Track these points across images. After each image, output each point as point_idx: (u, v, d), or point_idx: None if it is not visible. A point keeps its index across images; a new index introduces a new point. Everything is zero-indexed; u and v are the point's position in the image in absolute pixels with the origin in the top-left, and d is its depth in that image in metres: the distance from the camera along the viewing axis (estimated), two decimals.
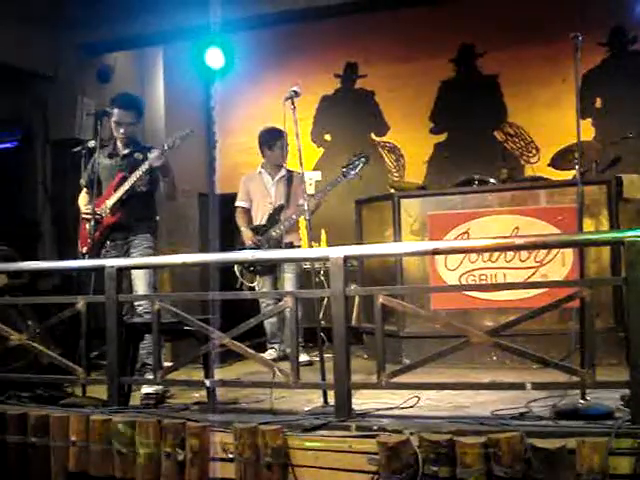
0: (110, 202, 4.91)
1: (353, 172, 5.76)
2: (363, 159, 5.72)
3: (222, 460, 3.41)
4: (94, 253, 4.85)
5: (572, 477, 2.94)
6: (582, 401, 3.52)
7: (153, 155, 4.84)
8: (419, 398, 3.85)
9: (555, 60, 7.08)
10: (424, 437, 3.10)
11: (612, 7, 7.18)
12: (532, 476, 2.96)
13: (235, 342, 3.80)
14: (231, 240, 6.49)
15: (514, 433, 3.03)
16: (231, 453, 3.37)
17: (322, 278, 6.33)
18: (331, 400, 3.64)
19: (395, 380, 3.55)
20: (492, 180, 6.01)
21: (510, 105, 7.86)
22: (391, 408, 3.73)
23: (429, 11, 7.42)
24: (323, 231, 7.83)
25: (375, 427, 3.31)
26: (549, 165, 6.30)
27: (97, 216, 4.85)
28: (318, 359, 4.09)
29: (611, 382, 3.41)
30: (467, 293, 5.40)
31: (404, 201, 5.74)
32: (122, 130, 4.99)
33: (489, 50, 7.92)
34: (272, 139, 6.06)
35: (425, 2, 7.14)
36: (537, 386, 3.40)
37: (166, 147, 4.79)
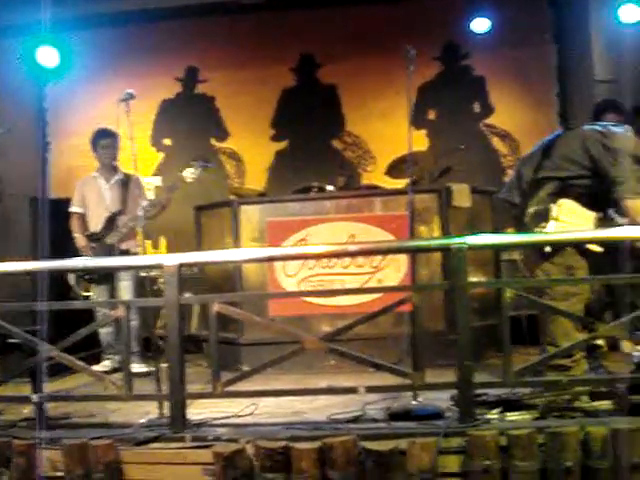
0: None
1: (192, 177, 5.64)
2: (203, 164, 5.64)
3: (51, 478, 3.25)
4: None
5: (403, 477, 3.02)
6: (414, 402, 3.63)
7: None
8: (257, 406, 3.84)
9: (391, 73, 7.30)
10: (259, 445, 3.10)
11: (445, 23, 7.52)
12: (365, 478, 3.03)
13: (63, 354, 3.64)
14: (66, 247, 6.21)
15: (348, 437, 3.09)
16: (61, 471, 3.22)
17: (161, 286, 6.18)
18: (167, 411, 3.56)
19: (231, 388, 3.53)
20: (330, 188, 6.12)
21: (348, 115, 8.03)
22: (228, 417, 3.70)
23: (269, 19, 7.47)
24: (163, 238, 7.68)
25: (210, 437, 3.28)
26: (385, 174, 6.49)
27: None
28: (154, 369, 3.98)
29: (440, 383, 3.53)
30: (305, 299, 5.45)
31: (244, 207, 5.73)
32: None
33: (329, 61, 8.06)
34: (97, 139, 5.89)
35: (263, 9, 7.18)
36: (371, 389, 3.48)
37: None
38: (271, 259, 4.53)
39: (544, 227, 4.05)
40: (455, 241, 3.38)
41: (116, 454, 3.14)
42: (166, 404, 3.59)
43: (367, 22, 7.62)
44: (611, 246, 4.48)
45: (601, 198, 4.18)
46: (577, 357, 4.11)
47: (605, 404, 3.58)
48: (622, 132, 4.19)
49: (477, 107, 7.87)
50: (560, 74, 7.77)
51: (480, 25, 7.41)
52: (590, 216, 4.15)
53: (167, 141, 8.26)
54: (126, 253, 5.69)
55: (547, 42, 7.70)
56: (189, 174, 5.41)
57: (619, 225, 4.19)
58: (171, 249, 7.64)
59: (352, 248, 3.88)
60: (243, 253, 4.43)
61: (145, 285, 5.52)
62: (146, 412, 3.84)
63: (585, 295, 4.22)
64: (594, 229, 4.08)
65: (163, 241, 7.73)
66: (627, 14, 6.20)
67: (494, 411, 3.51)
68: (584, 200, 4.16)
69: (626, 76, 6.39)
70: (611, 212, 4.34)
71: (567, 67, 7.73)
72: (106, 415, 3.73)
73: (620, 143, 4.12)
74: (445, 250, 3.42)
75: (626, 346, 5.25)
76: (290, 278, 5.57)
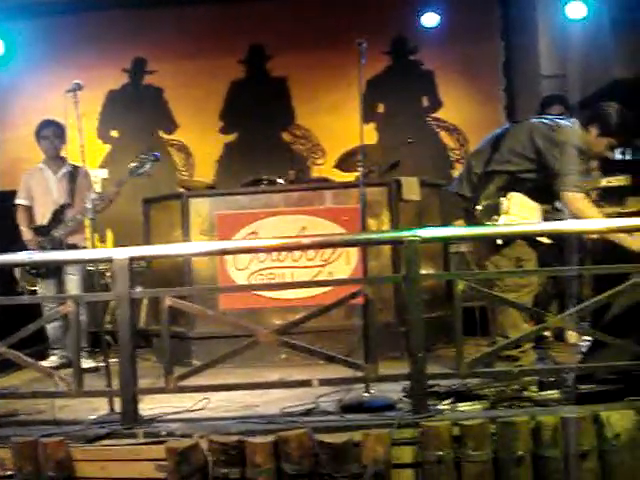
0: None
1: (141, 170, 5.55)
2: (152, 157, 5.55)
3: (0, 478, 3.18)
4: None
5: (357, 469, 3.04)
6: (366, 394, 3.65)
7: None
8: (209, 400, 3.81)
9: (341, 66, 7.29)
10: (213, 440, 3.08)
11: (395, 17, 7.56)
12: (320, 471, 3.03)
13: (10, 350, 3.56)
14: (12, 240, 6.06)
15: (302, 430, 3.09)
16: (10, 470, 3.15)
17: (108, 280, 6.09)
18: (118, 407, 3.51)
19: (184, 383, 3.49)
20: (280, 180, 6.10)
21: (298, 108, 8.02)
22: (180, 412, 3.67)
23: (218, 10, 7.40)
24: (110, 231, 7.56)
25: (163, 433, 3.24)
26: (334, 167, 6.50)
27: None
28: (103, 365, 3.92)
29: (393, 375, 3.55)
30: (256, 292, 5.44)
31: (193, 200, 5.66)
32: None
33: (279, 53, 8.03)
34: (38, 130, 5.76)
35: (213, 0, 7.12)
36: (324, 382, 3.48)
37: None
38: (225, 252, 4.50)
39: (496, 220, 4.10)
40: (408, 234, 3.39)
41: (67, 451, 3.08)
42: (116, 400, 3.54)
43: (318, 14, 7.60)
44: (558, 239, 4.58)
45: (549, 191, 4.25)
46: (525, 348, 4.18)
47: (553, 393, 3.65)
48: (569, 125, 4.27)
49: (426, 101, 7.95)
50: (507, 69, 7.90)
51: (429, 20, 7.49)
52: (539, 209, 4.23)
53: (114, 133, 8.12)
54: (74, 247, 5.57)
55: (495, 37, 7.82)
56: (140, 170, 5.33)
57: (566, 218, 4.26)
58: (118, 242, 7.52)
59: (306, 241, 3.86)
60: (196, 246, 4.39)
61: (94, 279, 5.43)
62: (94, 408, 3.77)
63: (533, 287, 4.30)
64: (542, 222, 4.16)
65: (110, 234, 7.61)
66: (574, 11, 6.31)
67: (445, 402, 3.55)
68: (533, 194, 4.23)
69: (572, 71, 6.52)
70: (559, 205, 4.42)
71: (514, 62, 7.86)
72: (54, 412, 3.65)
73: (566, 136, 4.19)
74: (398, 243, 3.43)
75: (571, 336, 5.38)
76: (240, 271, 5.53)
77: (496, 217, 4.10)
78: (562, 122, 4.30)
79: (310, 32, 7.67)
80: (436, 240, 4.02)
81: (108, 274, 6.17)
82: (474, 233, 3.88)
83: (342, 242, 3.92)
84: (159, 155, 5.73)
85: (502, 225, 4.00)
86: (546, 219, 4.30)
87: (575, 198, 4.12)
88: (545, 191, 4.24)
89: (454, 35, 7.62)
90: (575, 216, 4.10)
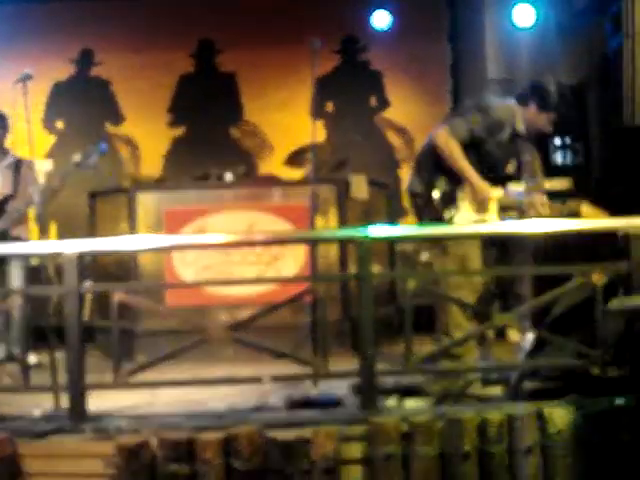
0: None
1: (87, 162, 5.43)
2: (99, 150, 5.44)
3: None
4: None
5: (307, 465, 3.06)
6: (313, 391, 3.68)
7: None
8: (156, 395, 3.79)
9: (291, 63, 7.31)
10: (163, 436, 3.06)
11: (346, 16, 7.59)
12: (270, 467, 3.05)
13: None
14: None
15: (253, 427, 3.10)
16: None
17: (51, 274, 5.97)
18: (64, 403, 3.46)
19: (132, 379, 3.46)
20: (229, 176, 6.08)
21: (247, 103, 7.96)
22: (128, 407, 3.63)
23: (168, 2, 7.32)
24: (53, 224, 7.42)
25: (112, 429, 3.21)
26: (284, 164, 6.51)
27: None
28: (48, 360, 3.86)
29: (343, 372, 3.59)
30: (204, 288, 5.42)
31: (140, 195, 5.60)
32: None
33: (229, 48, 7.96)
34: None
35: None
36: (275, 379, 3.50)
37: None
38: (178, 247, 4.47)
39: (452, 211, 4.17)
40: (359, 232, 3.43)
41: (14, 447, 3.03)
42: (62, 395, 3.49)
43: (269, 10, 7.56)
44: (500, 238, 4.69)
45: (498, 175, 4.32)
46: (468, 345, 4.26)
47: (496, 390, 3.74)
48: (501, 103, 4.34)
49: (374, 101, 8.00)
50: (454, 71, 8.00)
51: (380, 20, 7.53)
52: (493, 193, 4.27)
53: (59, 124, 7.95)
54: (17, 239, 5.44)
55: (443, 40, 7.92)
56: (85, 162, 5.22)
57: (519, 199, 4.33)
58: (61, 236, 7.38)
59: (259, 237, 3.88)
60: (148, 241, 4.32)
61: (37, 274, 5.31)
62: (37, 404, 3.71)
63: (477, 286, 4.38)
64: (497, 207, 4.23)
65: (53, 227, 7.47)
66: (521, 17, 6.43)
67: (392, 398, 3.60)
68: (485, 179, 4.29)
69: (518, 76, 6.65)
70: (510, 187, 4.49)
71: (461, 65, 7.98)
72: None
73: (498, 113, 4.26)
74: (349, 241, 3.46)
75: (512, 334, 5.50)
76: (188, 267, 5.51)
77: (451, 207, 4.16)
78: (497, 101, 4.38)
79: (261, 28, 7.61)
80: (387, 239, 4.06)
81: (51, 268, 6.05)
82: (424, 233, 3.95)
83: (295, 239, 3.94)
84: (106, 147, 5.65)
85: (452, 225, 4.06)
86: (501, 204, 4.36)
87: (442, 134, 4.16)
88: (495, 175, 4.30)
89: (403, 36, 7.68)
90: (441, 152, 4.17)
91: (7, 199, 5.49)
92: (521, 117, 4.27)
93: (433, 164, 4.33)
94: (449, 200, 4.20)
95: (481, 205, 4.22)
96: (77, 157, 5.36)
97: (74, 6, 7.22)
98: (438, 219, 4.19)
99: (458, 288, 4.21)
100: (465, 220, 4.19)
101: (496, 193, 4.20)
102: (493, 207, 4.29)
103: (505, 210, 4.91)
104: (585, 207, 4.35)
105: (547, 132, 4.42)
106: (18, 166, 5.53)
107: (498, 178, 4.29)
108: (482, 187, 4.19)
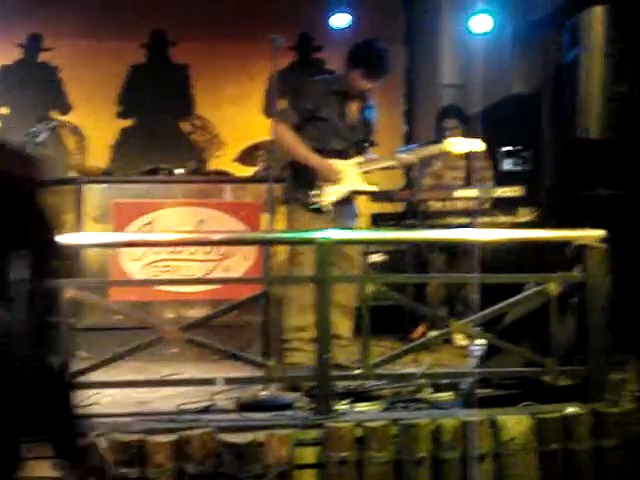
0: None
1: (37, 140, 5.18)
2: (50, 126, 5.18)
3: None
4: None
5: (260, 469, 3.02)
6: (264, 392, 3.63)
7: None
8: (101, 395, 3.67)
9: (246, 58, 7.24)
10: (112, 438, 2.98)
11: (302, 14, 7.54)
12: (223, 471, 2.99)
13: None
14: None
15: (206, 430, 3.05)
16: None
17: None
18: None
19: (80, 379, 3.35)
20: (179, 171, 5.97)
21: (199, 97, 7.85)
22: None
23: None
24: None
25: None
26: (235, 160, 6.43)
27: None
28: None
29: (297, 376, 3.55)
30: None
31: (87, 186, 5.44)
32: None
33: (182, 40, 7.85)
34: None
35: None
36: (229, 381, 3.44)
37: None
38: (128, 244, 4.36)
39: (316, 192, 4.22)
40: (320, 235, 3.40)
41: None
42: None
43: (226, 3, 7.47)
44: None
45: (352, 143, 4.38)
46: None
47: (447, 395, 3.76)
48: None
49: None
50: (408, 75, 8.04)
51: (337, 20, 7.50)
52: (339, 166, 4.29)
53: (4, 110, 7.70)
54: None
55: (398, 42, 7.93)
56: (36, 139, 5.00)
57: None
58: None
59: (216, 237, 3.80)
60: (97, 237, 4.22)
61: None
62: None
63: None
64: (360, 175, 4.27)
65: None
66: (478, 24, 6.48)
67: (344, 402, 3.57)
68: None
69: (470, 83, 6.71)
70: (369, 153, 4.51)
71: (415, 69, 8.02)
72: None
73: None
74: (309, 243, 3.42)
75: (458, 339, 5.53)
76: (134, 262, 5.39)
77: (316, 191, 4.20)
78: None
79: (216, 21, 7.52)
80: (347, 242, 4.03)
81: None
82: (384, 237, 3.94)
83: (252, 240, 3.87)
84: (58, 122, 5.46)
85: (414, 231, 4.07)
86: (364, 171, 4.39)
87: (273, 125, 4.34)
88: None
89: (359, 36, 7.65)
90: (279, 145, 4.42)
91: None
92: (348, 77, 4.33)
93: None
94: (309, 184, 4.23)
95: (336, 180, 4.24)
96: (28, 133, 5.11)
97: None
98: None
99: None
100: (330, 198, 4.24)
101: (345, 165, 4.23)
102: (352, 176, 4.31)
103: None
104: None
105: (366, 89, 4.44)
106: None
107: (352, 146, 4.33)
108: (322, 165, 4.24)
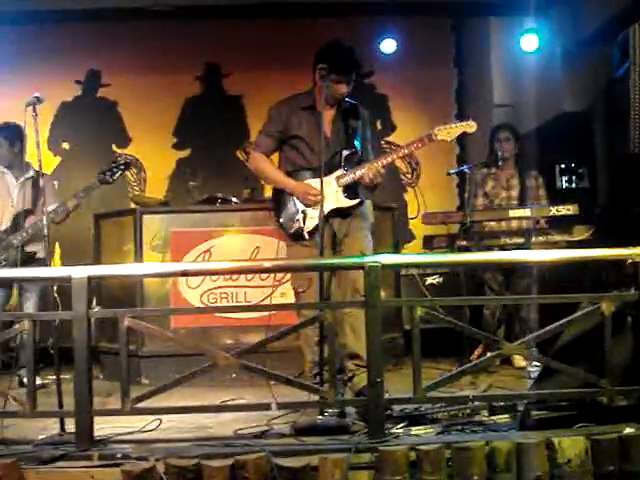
0: None
1: (112, 178, 5.28)
2: (122, 166, 5.32)
3: None
4: None
5: None
6: (320, 417, 3.65)
7: None
8: (161, 420, 3.76)
9: (296, 87, 7.29)
10: (170, 463, 3.03)
11: (351, 41, 7.44)
12: None
13: None
14: None
15: (260, 454, 3.07)
16: None
17: (55, 295, 5.95)
18: (69, 427, 3.44)
19: (140, 405, 3.43)
20: (234, 199, 6.09)
21: (253, 126, 7.98)
22: (132, 432, 3.61)
23: (175, 26, 7.34)
24: (57, 245, 7.42)
25: (119, 455, 3.18)
26: None
27: None
28: (49, 382, 3.83)
29: (352, 400, 3.56)
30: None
31: (146, 217, 5.62)
32: None
33: (234, 71, 8.06)
34: None
35: (170, 16, 7.05)
36: (283, 406, 3.48)
37: None
38: (185, 274, 4.46)
39: (300, 216, 4.19)
40: (369, 260, 3.43)
41: (20, 473, 3.00)
42: (67, 420, 3.46)
43: (273, 33, 7.58)
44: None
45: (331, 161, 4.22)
46: None
47: (503, 418, 3.72)
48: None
49: (379, 125, 8.03)
50: (459, 96, 8.05)
51: (385, 45, 7.57)
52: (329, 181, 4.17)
53: (65, 145, 7.97)
54: (32, 255, 5.34)
55: (448, 64, 7.96)
56: (111, 177, 5.13)
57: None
58: (65, 258, 7.40)
59: (267, 264, 3.86)
60: (157, 267, 4.31)
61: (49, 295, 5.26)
62: (42, 428, 3.68)
63: None
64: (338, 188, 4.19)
65: (57, 249, 7.46)
66: (528, 43, 6.47)
67: (399, 425, 3.57)
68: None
69: (523, 102, 6.69)
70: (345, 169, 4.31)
71: (466, 90, 8.03)
72: (1, 431, 3.53)
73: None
74: (359, 268, 3.45)
75: (518, 360, 5.48)
76: (193, 290, 5.51)
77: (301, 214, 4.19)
78: None
79: (266, 51, 7.67)
80: (397, 266, 4.05)
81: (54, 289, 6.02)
82: (433, 260, 3.94)
83: (304, 267, 3.89)
84: (130, 163, 5.60)
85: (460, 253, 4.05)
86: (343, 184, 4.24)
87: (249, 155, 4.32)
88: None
89: (408, 61, 7.73)
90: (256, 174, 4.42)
91: (25, 214, 5.41)
92: (319, 88, 4.17)
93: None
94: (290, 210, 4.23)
95: (315, 201, 4.11)
96: (99, 173, 5.24)
97: (82, 27, 7.25)
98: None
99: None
100: (313, 218, 4.12)
101: (326, 181, 4.03)
102: (332, 193, 4.17)
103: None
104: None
105: (343, 95, 4.28)
106: (37, 181, 5.44)
107: (330, 159, 4.17)
108: (298, 189, 4.17)
